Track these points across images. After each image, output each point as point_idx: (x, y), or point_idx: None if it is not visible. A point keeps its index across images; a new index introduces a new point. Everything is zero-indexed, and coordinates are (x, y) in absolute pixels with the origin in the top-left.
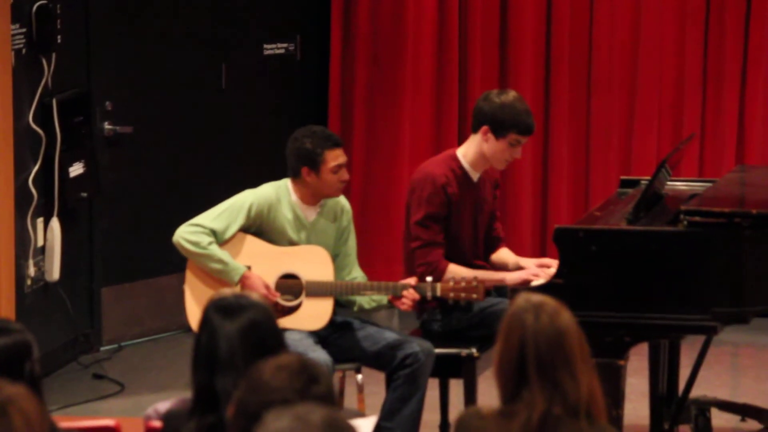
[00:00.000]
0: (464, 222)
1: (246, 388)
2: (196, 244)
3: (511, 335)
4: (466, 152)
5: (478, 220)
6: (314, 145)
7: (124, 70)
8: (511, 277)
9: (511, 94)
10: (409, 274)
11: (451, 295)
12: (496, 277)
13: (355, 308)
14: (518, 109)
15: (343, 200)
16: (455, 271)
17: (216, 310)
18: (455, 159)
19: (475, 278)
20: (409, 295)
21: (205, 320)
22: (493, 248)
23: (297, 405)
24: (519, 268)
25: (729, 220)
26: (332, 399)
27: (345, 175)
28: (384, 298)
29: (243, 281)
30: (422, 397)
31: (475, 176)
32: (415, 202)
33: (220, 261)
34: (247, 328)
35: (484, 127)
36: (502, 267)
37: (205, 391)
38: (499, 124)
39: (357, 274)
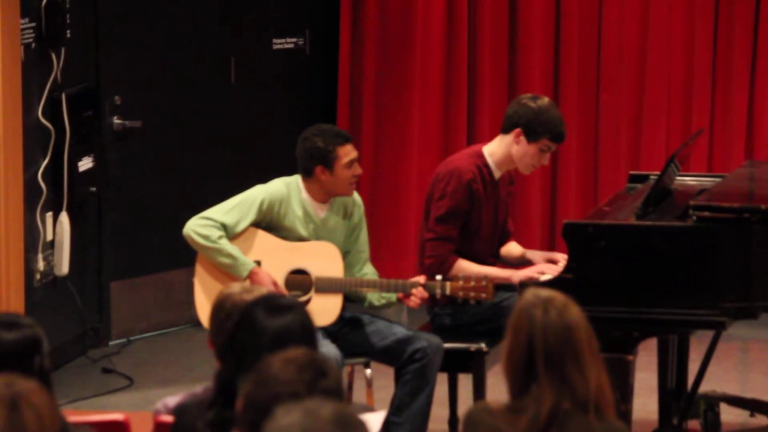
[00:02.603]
0: (485, 219)
1: (255, 381)
2: (206, 237)
3: (519, 330)
4: (494, 151)
5: (497, 218)
6: (326, 142)
7: (133, 64)
8: (518, 276)
9: (546, 100)
10: (421, 266)
11: (461, 294)
12: (504, 275)
13: (366, 304)
14: (553, 115)
15: (355, 194)
16: (463, 267)
17: (260, 307)
18: (481, 156)
19: (486, 277)
20: (418, 293)
21: (247, 317)
22: (503, 242)
23: (306, 399)
24: (526, 259)
25: (738, 215)
26: (341, 393)
27: (358, 169)
28: (393, 296)
29: (251, 277)
30: (431, 391)
31: (497, 175)
32: (438, 193)
33: (230, 255)
34: (286, 330)
35: (518, 130)
36: (510, 259)
37: (228, 385)
38: (534, 129)
39: (368, 271)
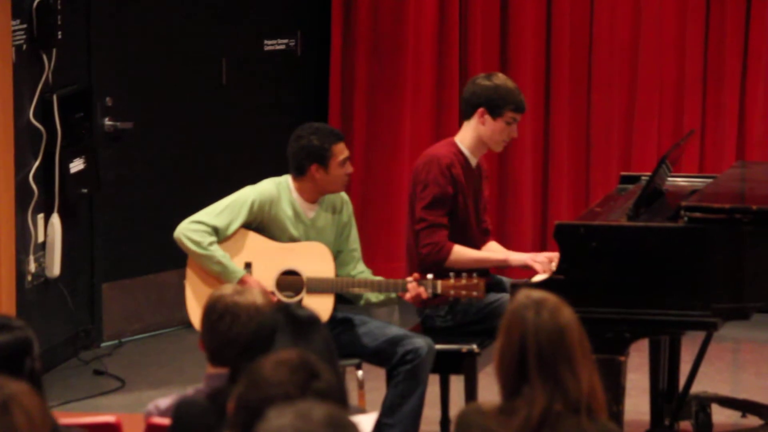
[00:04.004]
0: (469, 207)
1: (246, 383)
2: (197, 243)
3: (512, 331)
4: (464, 138)
5: (478, 206)
6: (321, 141)
7: (125, 65)
8: (514, 258)
9: (501, 75)
10: (411, 266)
11: (452, 293)
12: (500, 257)
13: (362, 302)
14: (510, 87)
15: (342, 193)
16: (460, 251)
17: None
18: (455, 145)
19: (476, 276)
20: (414, 289)
21: (269, 335)
22: (483, 241)
23: (298, 401)
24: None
25: (729, 215)
26: (334, 394)
27: (350, 167)
28: (392, 293)
29: (241, 285)
30: (423, 393)
31: (473, 162)
32: (420, 185)
33: (219, 263)
34: (323, 345)
35: (480, 110)
36: None
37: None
38: (496, 104)
39: (363, 269)
